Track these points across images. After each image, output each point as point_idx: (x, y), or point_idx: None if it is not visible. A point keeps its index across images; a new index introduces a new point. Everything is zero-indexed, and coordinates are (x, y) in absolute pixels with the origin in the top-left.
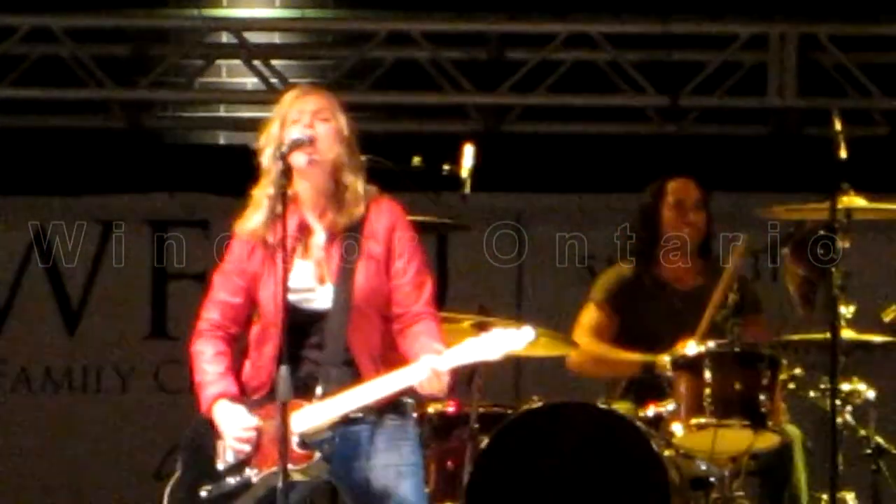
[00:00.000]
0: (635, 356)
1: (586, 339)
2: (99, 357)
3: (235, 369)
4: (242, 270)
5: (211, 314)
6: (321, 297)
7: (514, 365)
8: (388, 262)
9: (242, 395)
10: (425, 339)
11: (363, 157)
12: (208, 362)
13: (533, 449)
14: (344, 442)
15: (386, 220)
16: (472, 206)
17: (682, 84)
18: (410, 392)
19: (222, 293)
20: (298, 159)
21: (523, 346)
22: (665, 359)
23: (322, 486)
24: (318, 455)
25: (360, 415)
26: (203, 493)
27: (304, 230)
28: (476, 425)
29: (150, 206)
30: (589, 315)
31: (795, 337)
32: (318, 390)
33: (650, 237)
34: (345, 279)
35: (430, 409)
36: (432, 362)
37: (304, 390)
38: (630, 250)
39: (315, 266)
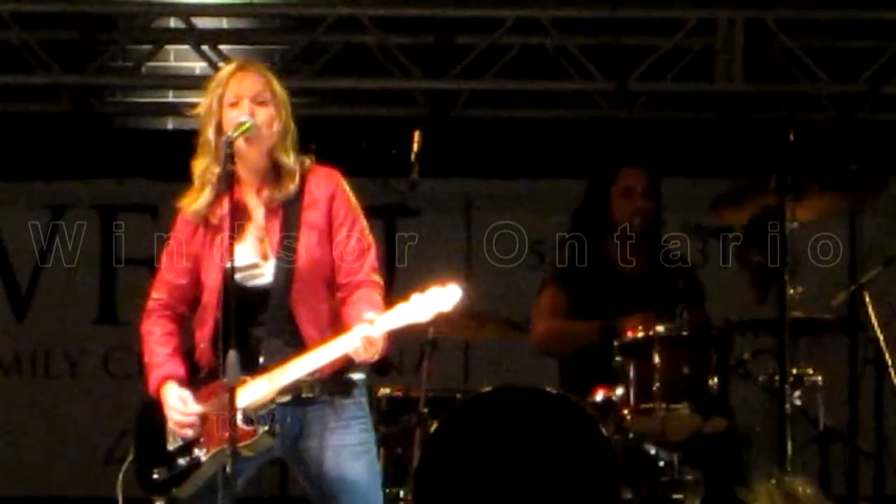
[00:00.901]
0: (593, 323)
1: (543, 318)
2: (48, 342)
3: (185, 348)
4: (187, 251)
5: (159, 294)
6: (266, 273)
7: (463, 349)
8: (329, 231)
9: (190, 373)
10: (362, 305)
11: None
12: (157, 343)
13: (482, 434)
14: (295, 422)
15: (324, 188)
16: (421, 192)
17: (630, 69)
18: (349, 360)
19: (168, 274)
20: (238, 143)
21: (451, 306)
22: (635, 321)
23: (271, 462)
24: (262, 430)
25: (311, 395)
26: (155, 476)
27: (241, 210)
28: (425, 410)
29: (99, 191)
30: (544, 299)
31: (745, 318)
32: (260, 361)
33: (599, 224)
34: (286, 251)
35: (379, 394)
36: (364, 330)
37: (246, 365)
38: (578, 234)
39: (257, 243)
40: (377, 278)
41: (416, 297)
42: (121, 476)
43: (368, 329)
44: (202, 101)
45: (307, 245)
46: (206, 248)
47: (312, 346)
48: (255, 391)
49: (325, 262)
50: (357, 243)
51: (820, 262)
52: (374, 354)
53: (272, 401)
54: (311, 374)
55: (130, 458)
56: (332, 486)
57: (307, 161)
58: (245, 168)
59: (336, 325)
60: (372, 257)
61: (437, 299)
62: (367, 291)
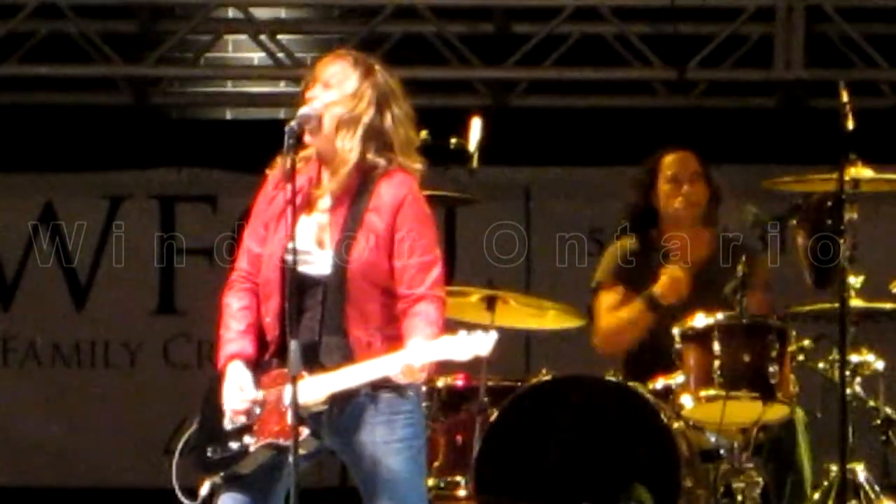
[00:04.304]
0: (635, 301)
1: (602, 318)
2: (107, 332)
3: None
4: (264, 220)
5: (241, 262)
6: (318, 262)
7: (524, 338)
8: (390, 239)
9: (260, 351)
10: (417, 322)
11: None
12: (232, 317)
13: (542, 422)
14: (340, 415)
15: (393, 195)
16: (480, 180)
17: (689, 57)
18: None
19: (249, 241)
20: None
21: (488, 350)
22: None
23: (331, 452)
24: (306, 431)
25: (357, 388)
26: (209, 454)
27: (315, 189)
28: (485, 399)
29: (158, 181)
30: (601, 300)
31: (804, 308)
32: (319, 360)
33: (648, 211)
34: (342, 248)
35: (440, 383)
36: (405, 358)
37: (304, 359)
38: (630, 225)
39: (317, 230)
40: (440, 293)
41: (461, 334)
42: (182, 441)
43: (409, 358)
44: None
45: (362, 248)
46: (273, 220)
47: (359, 348)
48: (310, 391)
49: (380, 268)
50: (420, 256)
51: (878, 246)
52: (412, 381)
53: (323, 404)
54: (362, 384)
55: (193, 427)
56: (373, 481)
57: (382, 162)
58: (321, 153)
59: (389, 329)
60: (436, 272)
61: (478, 342)
62: (427, 306)
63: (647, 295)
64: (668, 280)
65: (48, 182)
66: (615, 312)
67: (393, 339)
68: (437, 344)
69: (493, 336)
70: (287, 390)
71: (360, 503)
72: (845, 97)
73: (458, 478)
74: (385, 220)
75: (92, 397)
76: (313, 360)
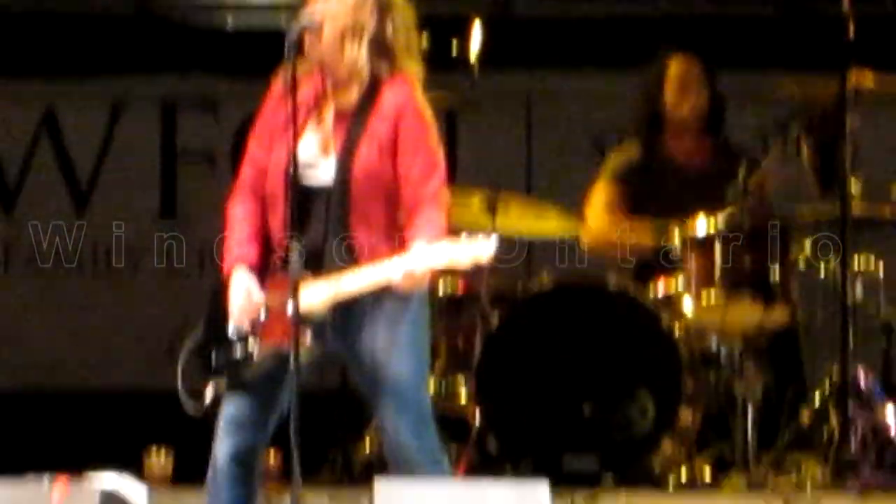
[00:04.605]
0: (647, 225)
1: (598, 216)
2: (108, 238)
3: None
4: (269, 130)
5: (245, 171)
6: (323, 171)
7: (525, 244)
8: (394, 145)
9: (265, 257)
10: (420, 228)
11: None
12: (238, 223)
13: (543, 328)
14: (344, 319)
15: (396, 101)
16: (481, 87)
17: None
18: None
19: (254, 151)
20: (307, 40)
21: (489, 255)
22: (675, 233)
23: (334, 357)
24: (309, 336)
25: (361, 293)
26: (214, 358)
27: (320, 99)
28: (487, 304)
29: (160, 87)
30: (600, 193)
31: (806, 213)
32: (323, 265)
33: (653, 116)
34: (346, 155)
35: (442, 288)
36: (407, 264)
37: (308, 264)
38: (636, 131)
39: (322, 137)
40: (442, 199)
41: (463, 239)
42: (185, 346)
43: (410, 263)
44: None
45: (367, 154)
46: (279, 130)
47: (363, 254)
48: (313, 296)
49: (383, 174)
50: (423, 162)
51: (879, 152)
52: (413, 286)
53: (326, 309)
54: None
55: (197, 331)
56: (376, 385)
57: (385, 69)
58: (324, 62)
59: (391, 237)
60: (438, 178)
61: (478, 248)
62: (429, 212)
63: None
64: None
65: (50, 88)
66: (615, 215)
67: (397, 245)
68: (437, 249)
69: (493, 241)
70: (298, 293)
71: (361, 407)
72: (847, 3)
73: (460, 380)
74: (388, 127)
75: (94, 302)
76: (318, 266)
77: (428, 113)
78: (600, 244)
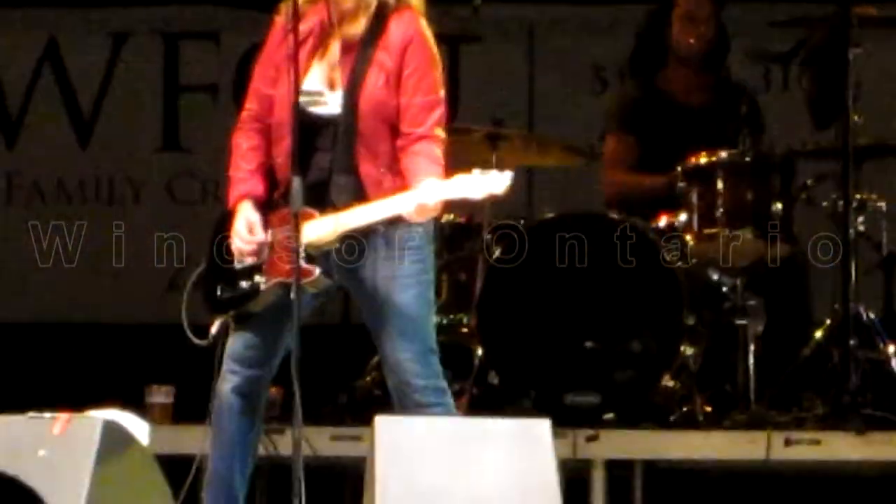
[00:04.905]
0: (660, 178)
1: (613, 172)
2: (111, 169)
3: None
4: (273, 61)
5: (250, 103)
6: (329, 103)
7: (527, 175)
8: (398, 76)
9: (270, 190)
10: (420, 160)
11: None
12: (242, 157)
13: (545, 260)
14: (350, 252)
15: (402, 33)
16: (483, 17)
17: None
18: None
19: (259, 83)
20: None
21: (503, 191)
22: (678, 170)
23: (333, 292)
24: (317, 270)
25: (368, 226)
26: (219, 293)
27: (324, 32)
28: (488, 236)
29: (162, 17)
30: (610, 147)
31: (808, 146)
32: (330, 198)
33: (658, 48)
34: (353, 87)
35: (443, 220)
36: (419, 197)
37: (314, 198)
38: (637, 62)
39: (328, 70)
40: (441, 133)
41: (475, 173)
42: (191, 280)
43: (424, 196)
44: None
45: (373, 85)
46: (284, 62)
47: (370, 185)
48: (320, 229)
49: (389, 105)
50: (425, 95)
51: (882, 84)
52: (425, 219)
53: (335, 242)
54: (374, 222)
55: (202, 266)
56: (381, 316)
57: (391, 0)
58: None
59: (397, 169)
60: (439, 112)
61: (493, 181)
62: (428, 145)
63: (673, 178)
64: None
65: (51, 18)
66: (629, 172)
67: (402, 177)
68: (451, 182)
69: (508, 175)
70: (299, 227)
71: (362, 340)
72: None
73: (461, 315)
74: (394, 58)
75: (96, 234)
76: (324, 199)
77: (433, 46)
78: (616, 201)
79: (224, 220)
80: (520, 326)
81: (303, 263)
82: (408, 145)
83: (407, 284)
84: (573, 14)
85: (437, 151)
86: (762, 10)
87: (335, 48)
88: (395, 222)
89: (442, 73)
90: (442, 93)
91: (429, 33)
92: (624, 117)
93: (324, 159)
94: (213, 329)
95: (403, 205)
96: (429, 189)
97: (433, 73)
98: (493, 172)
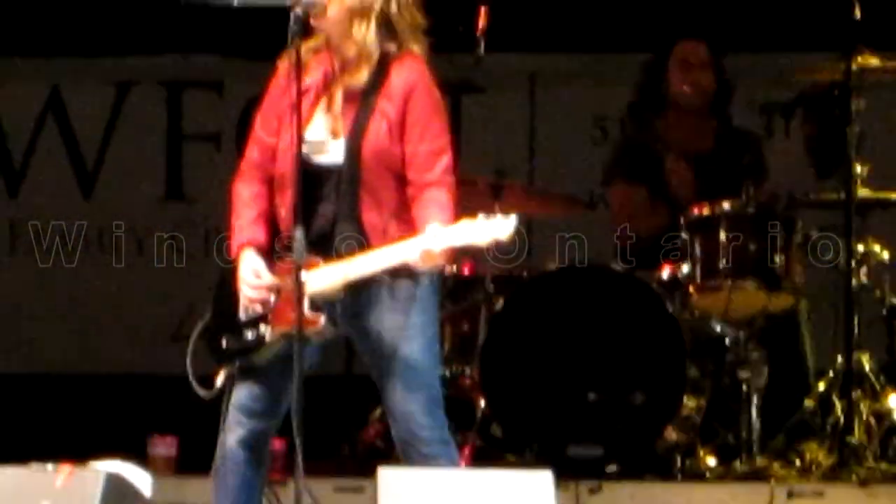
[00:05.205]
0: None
1: (623, 219)
2: (114, 219)
3: (271, 210)
4: (276, 111)
5: (251, 153)
6: (333, 151)
7: (526, 226)
8: (401, 124)
9: (272, 239)
10: (430, 208)
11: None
12: (244, 205)
13: (548, 312)
14: (356, 302)
15: (404, 80)
16: (486, 67)
17: None
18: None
19: (260, 132)
20: (311, 19)
21: (508, 235)
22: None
23: (338, 342)
24: (323, 319)
25: (373, 275)
26: (224, 344)
27: (329, 80)
28: (491, 288)
29: (165, 67)
30: (615, 197)
31: (810, 197)
32: (334, 247)
33: (656, 97)
34: (356, 136)
35: (446, 271)
36: (424, 244)
37: (318, 247)
38: (637, 110)
39: (331, 120)
40: (449, 179)
41: (480, 219)
42: (194, 333)
43: (429, 243)
44: None
45: (375, 133)
46: (287, 112)
47: (373, 234)
48: (325, 278)
49: (392, 154)
50: (431, 142)
51: (885, 136)
52: (432, 266)
53: (339, 291)
54: (379, 271)
55: (205, 318)
56: (388, 368)
57: (392, 48)
58: (331, 43)
59: (402, 216)
60: (446, 158)
61: (498, 227)
62: (437, 192)
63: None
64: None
65: (54, 68)
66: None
67: (407, 225)
68: (456, 229)
69: (512, 220)
70: (302, 277)
71: (365, 390)
72: None
73: (464, 366)
74: (397, 106)
75: (99, 285)
76: (328, 248)
77: (436, 92)
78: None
79: (228, 270)
80: (522, 378)
81: (308, 313)
82: (417, 194)
83: (413, 335)
84: (574, 64)
85: (447, 198)
86: (765, 58)
87: (338, 97)
88: (401, 272)
89: (447, 118)
90: (448, 138)
91: (431, 79)
92: (627, 165)
93: (327, 208)
94: (219, 380)
95: (408, 252)
96: (433, 236)
97: (438, 119)
98: (498, 218)
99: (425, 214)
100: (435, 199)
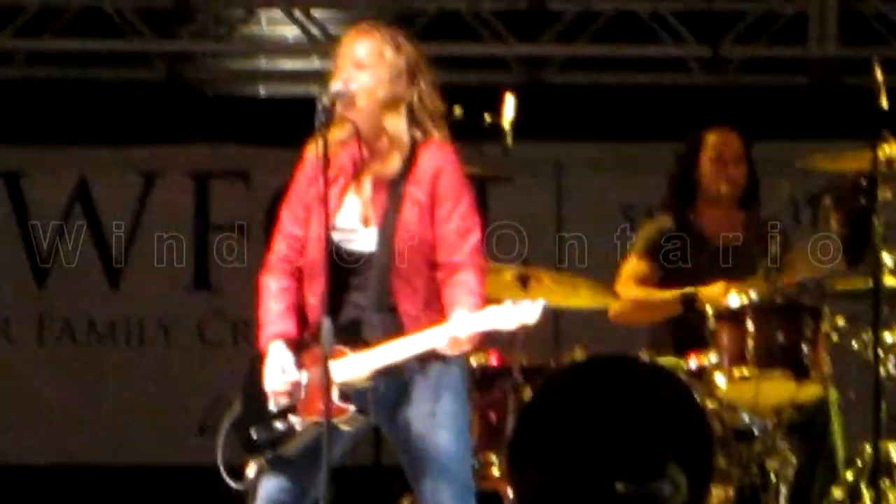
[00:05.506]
0: (674, 292)
1: (627, 287)
2: (141, 309)
3: (300, 303)
4: (303, 202)
5: (278, 246)
6: (364, 239)
7: (554, 316)
8: (432, 209)
9: (302, 330)
10: (459, 291)
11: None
12: (272, 298)
13: (576, 401)
14: (387, 389)
15: (432, 164)
16: (513, 156)
17: (722, 34)
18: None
19: (287, 224)
20: (338, 109)
21: (536, 319)
22: (715, 289)
23: (366, 432)
24: (352, 408)
25: (402, 363)
26: (254, 436)
27: (358, 168)
28: (519, 377)
29: (192, 157)
30: (630, 266)
31: (838, 287)
32: (363, 336)
33: (689, 189)
34: (388, 224)
35: (473, 362)
36: (451, 330)
37: (347, 336)
38: (669, 203)
39: (361, 208)
40: (479, 260)
41: (507, 304)
42: (223, 427)
43: (455, 330)
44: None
45: (408, 220)
46: (315, 202)
47: (407, 322)
48: (354, 367)
49: (425, 239)
50: (460, 223)
51: None
52: (459, 352)
53: (368, 380)
54: (407, 359)
55: (235, 412)
56: (419, 456)
57: (419, 134)
58: (361, 133)
59: (433, 302)
60: (475, 239)
61: (525, 311)
62: (466, 276)
63: (689, 294)
64: (719, 293)
65: (82, 157)
66: (643, 287)
67: (438, 310)
68: (483, 314)
69: (540, 304)
70: (330, 367)
71: (393, 482)
72: (879, 74)
73: (492, 457)
74: (426, 190)
75: (126, 375)
76: (356, 337)
77: (463, 175)
78: (627, 314)
79: (257, 362)
80: (551, 468)
81: (337, 402)
82: (447, 276)
83: (446, 424)
84: (601, 153)
85: (475, 281)
86: (793, 148)
87: (367, 185)
88: (431, 359)
89: (475, 200)
90: (477, 219)
91: (458, 162)
92: (652, 246)
93: (358, 297)
94: (250, 472)
95: (436, 339)
96: (460, 322)
97: (465, 199)
98: (525, 302)
99: (453, 299)
100: (463, 283)
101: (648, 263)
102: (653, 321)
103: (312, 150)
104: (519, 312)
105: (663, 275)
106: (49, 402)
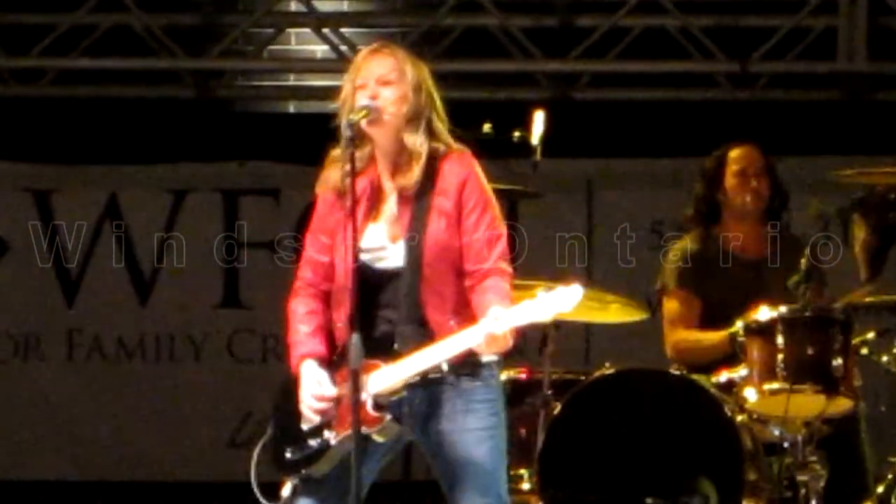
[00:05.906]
0: (721, 334)
1: (674, 333)
2: (171, 326)
3: (329, 326)
4: (325, 228)
5: (304, 272)
6: (393, 256)
7: (584, 330)
8: (458, 218)
9: (331, 351)
10: (490, 296)
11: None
12: (300, 321)
13: (605, 415)
14: (423, 403)
15: (456, 174)
16: (542, 173)
17: (751, 49)
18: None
19: (311, 251)
20: (362, 125)
21: (572, 306)
22: (738, 324)
23: (401, 446)
24: (388, 417)
25: (440, 375)
26: (288, 455)
27: (377, 191)
28: (549, 392)
29: (221, 175)
30: (669, 308)
31: (868, 300)
32: (395, 348)
33: (713, 205)
34: (416, 236)
35: (503, 376)
36: (488, 327)
37: (380, 350)
38: (693, 219)
39: (387, 225)
40: (506, 267)
41: (540, 295)
42: (257, 449)
43: (492, 326)
44: (341, 91)
45: (435, 231)
46: (340, 226)
47: (438, 332)
48: (387, 378)
49: (452, 249)
50: (486, 231)
51: None
52: (498, 350)
53: (402, 388)
54: (441, 363)
55: (268, 433)
56: (455, 469)
57: (441, 147)
58: (378, 150)
59: (463, 311)
60: (501, 246)
61: (560, 299)
62: (496, 280)
63: (734, 333)
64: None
65: (112, 175)
66: (690, 326)
67: (468, 319)
68: (518, 308)
69: (576, 289)
70: (365, 381)
71: (423, 497)
72: None
73: (522, 471)
74: (452, 200)
75: (156, 392)
76: (388, 349)
77: (486, 184)
78: (682, 360)
79: (288, 382)
80: (581, 482)
81: (371, 412)
82: (475, 283)
83: (483, 437)
84: (630, 168)
85: (505, 285)
86: (822, 163)
87: (391, 201)
88: (466, 371)
89: (499, 209)
90: (503, 227)
91: (480, 171)
92: (682, 274)
93: (389, 313)
94: (285, 491)
95: (472, 338)
96: (496, 318)
97: (491, 208)
98: (560, 289)
99: (485, 301)
100: (492, 287)
101: (684, 296)
102: (709, 361)
103: (324, 179)
104: (554, 301)
105: (702, 303)
106: (79, 419)
